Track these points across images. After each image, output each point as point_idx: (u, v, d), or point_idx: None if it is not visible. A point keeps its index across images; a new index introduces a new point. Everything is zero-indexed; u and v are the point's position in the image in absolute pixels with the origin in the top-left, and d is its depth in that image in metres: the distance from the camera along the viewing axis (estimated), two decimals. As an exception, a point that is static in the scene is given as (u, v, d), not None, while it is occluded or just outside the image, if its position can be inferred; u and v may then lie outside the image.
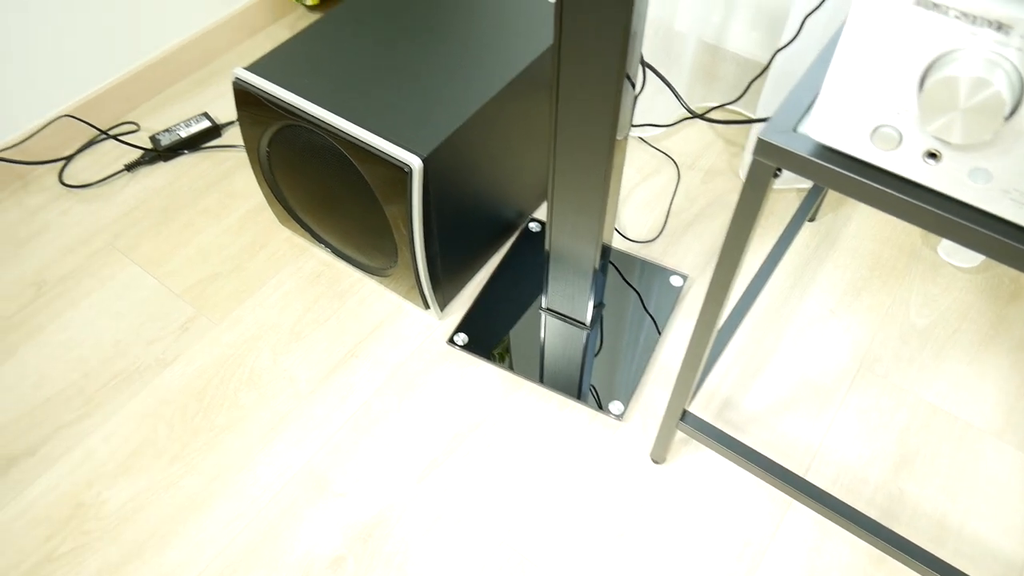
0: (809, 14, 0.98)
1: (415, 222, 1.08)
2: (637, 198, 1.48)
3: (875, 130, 0.56)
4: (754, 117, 1.37)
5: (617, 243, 1.41)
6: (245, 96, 1.14)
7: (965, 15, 0.47)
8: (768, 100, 1.33)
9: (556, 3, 0.81)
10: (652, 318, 1.29)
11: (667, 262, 1.38)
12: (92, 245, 1.41)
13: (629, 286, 1.33)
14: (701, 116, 1.19)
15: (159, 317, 1.31)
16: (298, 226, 1.36)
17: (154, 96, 1.68)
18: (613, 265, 1.36)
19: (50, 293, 1.34)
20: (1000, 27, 0.46)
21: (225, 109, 1.66)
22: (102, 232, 1.43)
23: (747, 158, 1.46)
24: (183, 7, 1.65)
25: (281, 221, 1.41)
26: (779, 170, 0.66)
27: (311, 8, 1.88)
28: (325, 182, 1.19)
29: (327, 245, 1.34)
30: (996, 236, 0.55)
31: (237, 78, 1.14)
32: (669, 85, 1.25)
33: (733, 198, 1.47)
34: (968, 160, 0.53)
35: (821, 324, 1.30)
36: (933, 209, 0.56)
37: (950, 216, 0.56)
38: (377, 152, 1.03)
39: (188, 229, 1.44)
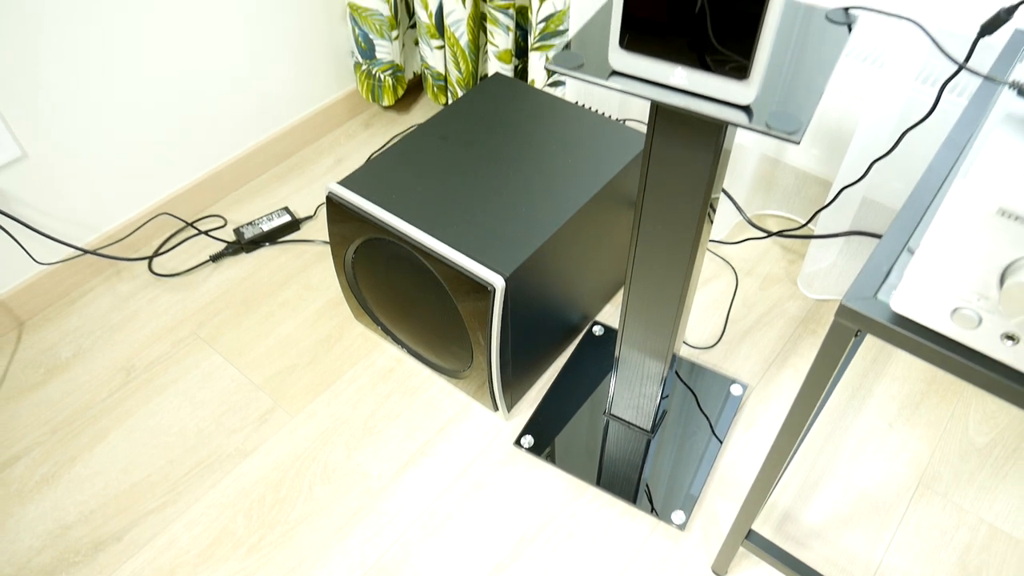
0: (878, 159, 1.04)
1: (493, 334, 1.14)
2: (696, 303, 1.53)
3: (955, 311, 0.61)
4: (815, 232, 1.42)
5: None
6: (337, 208, 1.23)
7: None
8: (828, 216, 1.38)
9: (646, 140, 0.88)
10: (712, 426, 1.33)
11: (726, 369, 1.42)
12: (178, 333, 1.49)
13: (690, 392, 1.37)
14: (777, 234, 1.25)
15: (239, 407, 1.38)
16: (372, 322, 1.43)
17: (237, 189, 1.78)
18: (675, 372, 1.41)
19: (139, 379, 1.42)
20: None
21: (303, 203, 1.76)
22: (187, 321, 1.52)
23: (806, 268, 1.51)
24: (265, 107, 1.76)
25: (356, 316, 1.48)
26: (859, 331, 0.71)
27: (386, 108, 1.99)
28: (406, 289, 1.26)
29: (402, 345, 1.41)
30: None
31: (331, 192, 1.22)
32: (735, 202, 1.31)
33: (791, 306, 1.51)
34: (1046, 347, 0.58)
35: (879, 438, 1.32)
36: (1011, 384, 0.61)
37: (1027, 394, 0.60)
38: (462, 270, 1.10)
39: (268, 320, 1.51)
